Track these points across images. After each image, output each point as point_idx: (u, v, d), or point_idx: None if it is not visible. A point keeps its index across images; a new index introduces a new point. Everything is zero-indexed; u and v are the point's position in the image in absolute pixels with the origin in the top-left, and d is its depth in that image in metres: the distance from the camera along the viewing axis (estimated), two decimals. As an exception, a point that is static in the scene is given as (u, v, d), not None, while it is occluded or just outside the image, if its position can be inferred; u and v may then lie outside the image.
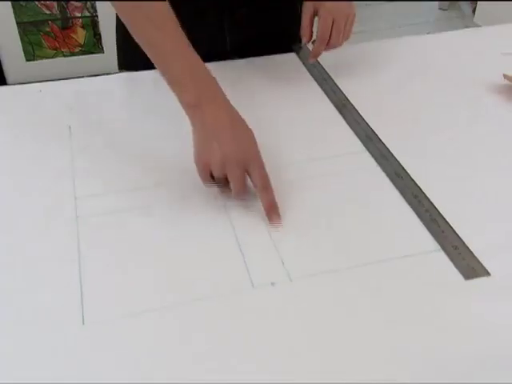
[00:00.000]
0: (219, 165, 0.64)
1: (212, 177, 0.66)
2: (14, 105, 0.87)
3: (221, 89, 0.68)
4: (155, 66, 0.69)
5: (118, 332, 0.54)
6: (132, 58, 1.00)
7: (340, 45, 0.87)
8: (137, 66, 0.93)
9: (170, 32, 0.68)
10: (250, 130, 0.67)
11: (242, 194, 0.66)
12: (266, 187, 0.65)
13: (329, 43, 0.86)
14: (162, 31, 0.68)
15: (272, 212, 0.65)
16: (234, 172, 0.64)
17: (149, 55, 0.69)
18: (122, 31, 1.02)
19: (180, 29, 0.69)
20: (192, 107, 0.66)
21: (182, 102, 0.67)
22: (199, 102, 0.66)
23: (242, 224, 0.65)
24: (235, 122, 0.66)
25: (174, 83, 0.67)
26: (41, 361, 0.52)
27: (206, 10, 0.92)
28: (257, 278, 0.59)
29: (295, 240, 0.64)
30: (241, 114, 0.67)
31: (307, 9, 0.86)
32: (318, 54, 0.87)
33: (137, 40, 0.69)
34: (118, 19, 1.01)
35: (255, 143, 0.66)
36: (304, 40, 0.87)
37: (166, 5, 0.69)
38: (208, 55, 0.95)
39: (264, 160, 0.66)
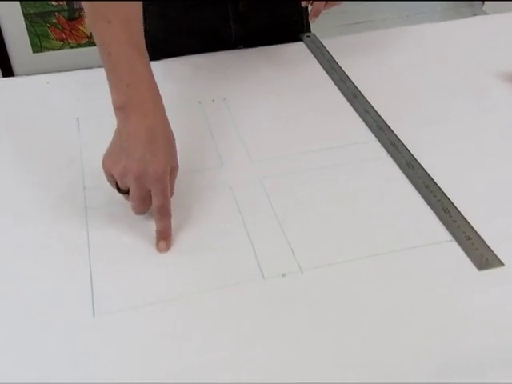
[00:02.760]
0: (119, 178, 0.61)
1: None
2: (21, 96, 0.86)
3: (156, 96, 0.64)
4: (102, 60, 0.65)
5: (128, 323, 0.54)
6: None
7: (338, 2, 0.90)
8: None
9: (119, 28, 0.63)
10: (168, 149, 0.63)
11: (140, 212, 0.63)
12: (161, 213, 0.61)
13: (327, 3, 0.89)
14: (111, 25, 0.63)
15: (160, 240, 0.62)
16: (132, 189, 0.61)
17: (98, 48, 0.65)
18: None
19: (136, 26, 0.65)
20: (117, 110, 0.63)
21: (113, 105, 0.64)
22: (125, 106, 0.62)
23: (253, 215, 0.65)
24: (153, 139, 0.61)
25: (109, 80, 0.64)
26: (51, 352, 0.52)
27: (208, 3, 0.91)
28: (267, 269, 0.59)
29: (306, 231, 0.63)
30: (248, 104, 0.66)
31: None
32: (317, 12, 0.90)
33: (91, 30, 0.67)
34: None
35: (164, 164, 0.61)
36: (303, 3, 0.91)
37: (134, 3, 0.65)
38: (213, 45, 0.95)
39: (263, 153, 0.66)
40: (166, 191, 0.61)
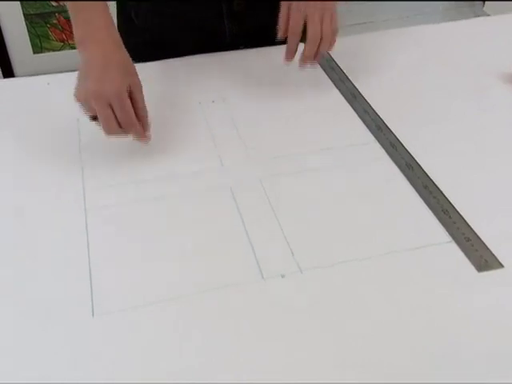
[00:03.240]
0: (84, 101, 0.68)
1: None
2: (22, 97, 0.86)
3: (109, 27, 0.71)
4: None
5: (128, 323, 0.54)
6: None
7: (324, 44, 0.78)
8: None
9: None
10: (123, 69, 0.70)
11: (112, 133, 0.69)
12: (128, 123, 0.68)
13: (304, 51, 0.79)
14: None
15: (141, 139, 0.71)
16: (96, 107, 0.67)
17: None
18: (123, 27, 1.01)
19: None
20: (78, 44, 0.71)
21: (74, 39, 0.71)
22: (83, 40, 0.70)
23: (252, 216, 0.65)
24: (107, 62, 0.69)
25: (71, 19, 0.72)
26: (51, 352, 0.52)
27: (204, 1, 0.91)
28: (267, 269, 0.59)
29: (305, 232, 0.63)
30: (248, 104, 0.66)
31: (283, 5, 0.80)
32: (290, 51, 0.80)
33: None
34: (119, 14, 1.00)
35: (120, 81, 0.68)
36: (279, 34, 0.80)
37: None
38: (207, 43, 0.95)
39: (262, 154, 0.68)
40: (125, 106, 0.68)
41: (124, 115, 0.68)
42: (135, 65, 0.91)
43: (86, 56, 0.69)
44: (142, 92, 0.71)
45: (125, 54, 0.71)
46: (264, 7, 0.95)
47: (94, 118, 0.69)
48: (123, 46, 0.72)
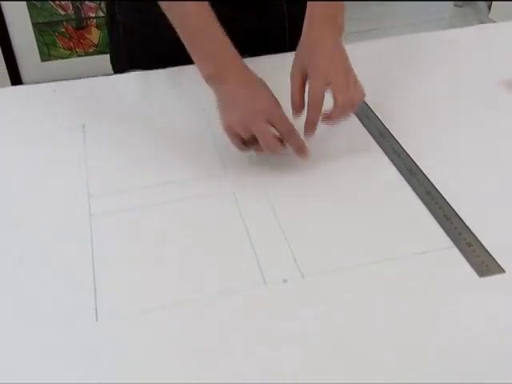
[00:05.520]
0: (239, 123, 0.67)
1: (245, 142, 0.70)
2: (29, 104, 0.87)
3: (239, 59, 0.71)
4: (183, 41, 0.72)
5: (131, 328, 0.55)
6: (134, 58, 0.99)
7: (354, 108, 0.71)
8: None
9: (196, 8, 0.71)
10: (267, 88, 0.70)
11: (273, 148, 0.68)
12: (290, 131, 0.68)
13: (328, 115, 0.70)
14: (187, 8, 0.71)
15: (301, 152, 0.69)
16: (255, 126, 0.67)
17: (177, 30, 0.73)
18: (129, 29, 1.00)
19: (207, 4, 0.71)
20: (212, 79, 0.71)
21: (203, 75, 0.71)
22: (218, 74, 0.70)
23: (254, 221, 0.65)
24: (251, 83, 0.70)
25: (196, 58, 0.72)
26: (55, 356, 0.52)
27: None
28: (269, 274, 0.59)
29: (307, 237, 0.64)
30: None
31: (295, 71, 0.73)
32: (312, 125, 0.70)
33: (168, 16, 0.73)
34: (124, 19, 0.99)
35: (272, 98, 0.69)
36: (293, 112, 0.72)
37: None
38: (186, 55, 0.94)
39: (266, 161, 0.69)
40: (282, 116, 0.68)
41: (283, 125, 0.68)
42: (147, 72, 0.93)
43: (227, 86, 0.70)
44: (281, 108, 0.70)
45: (259, 78, 0.71)
46: (245, 16, 0.94)
47: (245, 143, 0.69)
48: (254, 72, 0.72)
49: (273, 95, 0.70)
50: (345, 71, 0.71)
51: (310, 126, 0.70)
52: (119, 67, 1.01)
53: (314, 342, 0.53)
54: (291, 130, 0.68)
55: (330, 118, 0.70)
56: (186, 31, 0.72)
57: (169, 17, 0.73)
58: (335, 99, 0.69)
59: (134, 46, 0.97)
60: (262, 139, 0.67)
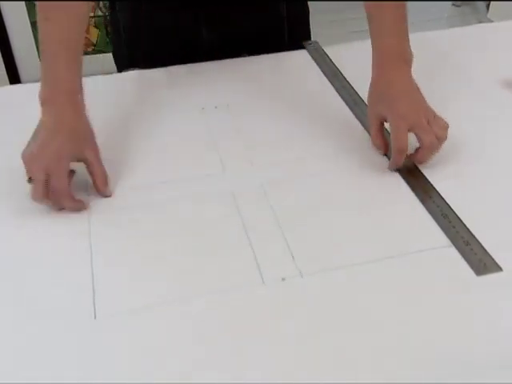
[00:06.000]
0: (26, 161, 0.67)
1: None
2: (27, 103, 0.86)
3: (70, 93, 0.69)
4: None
5: (129, 326, 0.55)
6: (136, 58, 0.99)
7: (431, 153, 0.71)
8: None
9: (54, 26, 0.70)
10: (75, 137, 0.68)
11: (36, 196, 0.66)
12: (59, 192, 0.66)
13: (415, 156, 0.71)
14: (48, 23, 0.70)
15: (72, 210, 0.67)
16: (33, 170, 0.66)
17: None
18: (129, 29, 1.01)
19: (74, 26, 0.71)
20: (41, 104, 0.69)
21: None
22: (43, 101, 0.69)
23: (253, 220, 0.66)
24: (58, 128, 0.68)
25: (41, 75, 0.70)
26: (53, 355, 0.52)
27: (181, 8, 0.91)
28: (267, 273, 0.59)
29: (306, 236, 0.64)
30: (251, 110, 0.67)
31: (372, 117, 0.74)
32: (396, 166, 0.71)
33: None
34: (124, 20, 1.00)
35: (64, 152, 0.67)
36: (381, 153, 0.74)
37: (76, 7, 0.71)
38: (184, 47, 0.94)
39: (264, 159, 0.71)
40: (60, 172, 0.66)
41: (56, 182, 0.65)
42: (146, 71, 0.93)
43: (41, 117, 0.68)
44: (98, 158, 0.70)
45: (81, 120, 0.70)
46: (251, 12, 0.94)
47: (31, 181, 0.67)
48: (83, 112, 0.70)
49: (81, 145, 0.69)
50: (424, 110, 0.71)
51: (394, 167, 0.71)
52: (121, 66, 1.02)
53: (312, 341, 0.53)
54: (60, 190, 0.66)
55: (418, 160, 0.71)
56: (43, 49, 0.70)
57: (38, 28, 0.71)
58: (420, 142, 0.69)
59: (134, 45, 0.97)
60: (33, 184, 0.66)
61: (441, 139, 0.70)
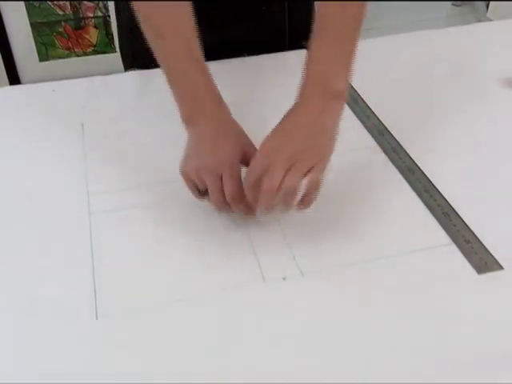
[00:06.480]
0: (195, 174, 0.64)
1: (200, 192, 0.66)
2: (27, 104, 0.87)
3: (217, 101, 0.68)
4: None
5: (130, 326, 0.55)
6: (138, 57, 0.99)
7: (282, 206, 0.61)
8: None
9: (173, 42, 0.67)
10: (234, 143, 0.65)
11: (220, 205, 0.63)
12: (234, 195, 0.62)
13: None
14: (166, 41, 0.67)
15: (247, 216, 0.64)
16: (207, 180, 0.63)
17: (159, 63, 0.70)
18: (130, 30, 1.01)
19: (191, 39, 0.67)
20: (185, 121, 0.68)
21: (180, 115, 0.68)
22: (192, 116, 0.67)
23: (255, 219, 0.65)
24: (218, 135, 0.66)
25: (172, 93, 0.68)
26: (54, 354, 0.53)
27: None
28: (268, 272, 0.59)
29: (307, 235, 0.64)
30: (253, 110, 0.67)
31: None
32: (255, 206, 0.61)
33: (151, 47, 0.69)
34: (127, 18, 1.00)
35: (233, 155, 0.64)
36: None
37: (184, 12, 0.67)
38: None
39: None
40: (235, 176, 0.62)
41: (231, 185, 0.61)
42: (146, 71, 0.93)
43: (196, 131, 0.66)
44: (238, 165, 0.65)
45: (234, 123, 0.68)
46: (252, 11, 0.94)
47: (201, 194, 0.65)
48: (231, 115, 0.68)
49: (242, 146, 0.65)
50: (299, 152, 0.59)
51: (257, 210, 0.62)
52: (126, 66, 1.02)
53: (313, 340, 0.53)
54: (235, 194, 0.62)
55: (259, 206, 0.61)
56: (167, 69, 0.68)
57: (152, 48, 0.68)
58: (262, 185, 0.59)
59: (137, 45, 0.97)
60: (211, 195, 0.63)
61: (288, 190, 0.58)
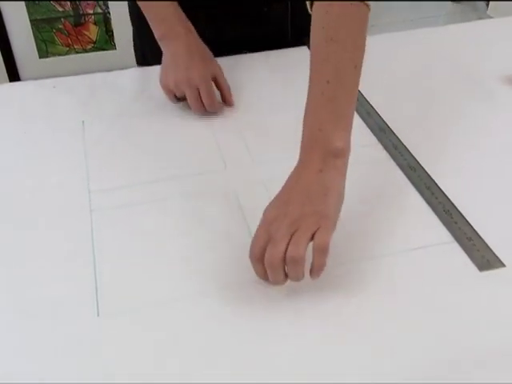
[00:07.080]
0: (174, 85, 0.80)
1: (177, 97, 0.83)
2: (28, 100, 0.87)
3: (185, 22, 0.83)
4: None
5: (132, 324, 0.55)
6: (146, 53, 1.01)
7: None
8: (150, 61, 0.95)
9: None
10: (206, 59, 0.82)
11: (199, 110, 0.81)
12: (211, 105, 0.80)
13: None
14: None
15: (211, 109, 0.81)
16: (187, 91, 0.80)
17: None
18: (136, 27, 1.02)
19: None
20: (160, 40, 0.83)
21: (155, 36, 0.83)
22: (164, 36, 0.83)
23: (255, 217, 0.65)
24: (192, 55, 0.81)
25: (148, 20, 0.84)
26: (56, 352, 0.52)
27: (182, 9, 0.90)
28: (270, 270, 0.59)
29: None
30: (253, 107, 0.67)
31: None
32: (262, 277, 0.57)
33: None
34: (132, 15, 1.01)
35: (207, 73, 0.81)
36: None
37: None
38: None
39: (266, 156, 0.72)
40: (210, 90, 0.80)
41: (208, 98, 0.80)
42: (146, 68, 0.93)
43: (171, 49, 0.82)
44: (223, 76, 0.83)
45: (203, 45, 0.83)
46: (254, 10, 0.94)
47: (179, 100, 0.83)
48: (199, 38, 0.83)
49: (209, 66, 0.82)
50: (294, 218, 0.55)
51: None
52: (138, 61, 1.06)
53: (313, 340, 0.53)
54: (212, 103, 0.81)
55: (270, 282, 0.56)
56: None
57: None
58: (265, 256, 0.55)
59: (145, 43, 0.98)
60: (191, 103, 0.80)
61: (291, 260, 0.53)
